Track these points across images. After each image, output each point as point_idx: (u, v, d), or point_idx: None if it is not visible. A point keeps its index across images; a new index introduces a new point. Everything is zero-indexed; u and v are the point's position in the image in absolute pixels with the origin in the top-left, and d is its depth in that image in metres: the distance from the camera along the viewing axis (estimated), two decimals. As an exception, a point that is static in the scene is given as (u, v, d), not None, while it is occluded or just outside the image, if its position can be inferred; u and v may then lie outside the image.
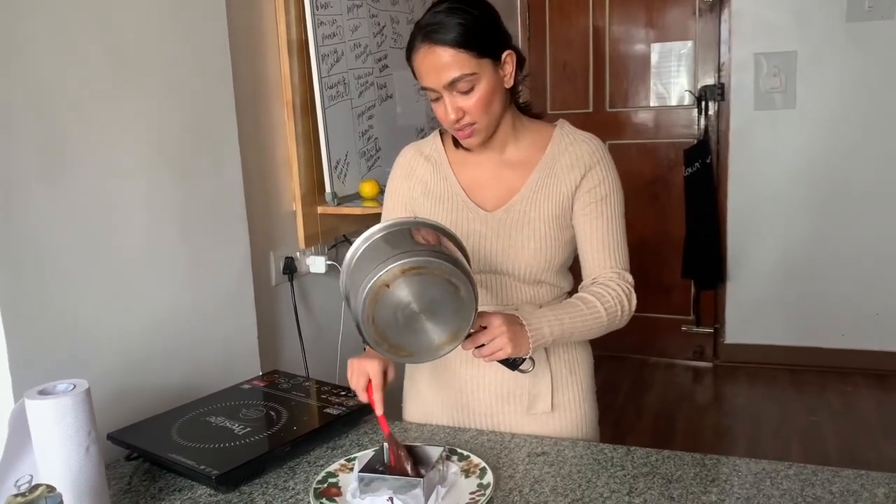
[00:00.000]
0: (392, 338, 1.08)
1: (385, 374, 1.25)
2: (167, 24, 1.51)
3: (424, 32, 1.23)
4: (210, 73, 1.63)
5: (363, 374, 1.24)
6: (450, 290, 1.06)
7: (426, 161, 1.42)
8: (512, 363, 1.23)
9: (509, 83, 1.29)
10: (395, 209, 1.44)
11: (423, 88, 1.28)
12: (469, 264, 1.15)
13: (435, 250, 1.06)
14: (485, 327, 1.18)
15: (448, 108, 1.26)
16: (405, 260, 1.03)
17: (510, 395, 1.40)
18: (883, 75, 3.47)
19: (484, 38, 1.24)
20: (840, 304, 3.69)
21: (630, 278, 1.35)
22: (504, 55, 1.27)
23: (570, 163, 1.34)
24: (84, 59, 1.34)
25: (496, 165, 1.38)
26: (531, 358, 1.24)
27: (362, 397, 1.25)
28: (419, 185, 1.41)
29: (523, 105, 1.39)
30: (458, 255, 1.12)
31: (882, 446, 2.98)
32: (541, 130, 1.39)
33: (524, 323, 1.22)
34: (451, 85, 1.23)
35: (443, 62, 1.22)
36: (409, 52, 1.27)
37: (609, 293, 1.31)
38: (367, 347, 1.28)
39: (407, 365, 1.52)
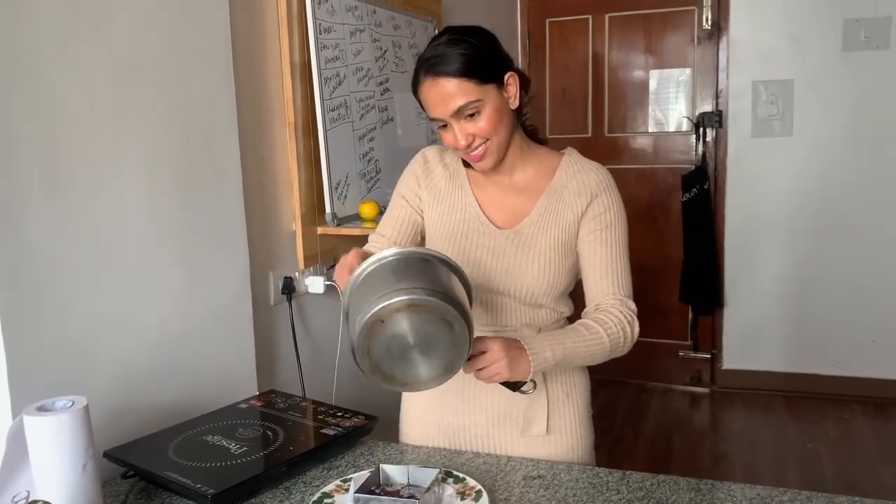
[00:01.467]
0: (386, 369, 1.11)
1: None
2: (171, 43, 1.53)
3: (428, 65, 1.27)
4: (213, 93, 1.65)
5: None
6: (444, 326, 1.08)
7: (445, 168, 1.45)
8: (513, 385, 1.24)
9: (514, 104, 1.32)
10: (407, 191, 1.47)
11: (432, 119, 1.31)
12: (471, 299, 1.17)
13: (433, 288, 1.08)
14: (484, 352, 1.19)
15: (458, 135, 1.29)
16: (401, 297, 1.05)
17: (506, 417, 1.40)
18: (878, 104, 3.51)
19: (486, 66, 1.27)
20: (836, 330, 3.70)
21: (633, 306, 1.36)
22: (506, 77, 1.30)
23: (577, 190, 1.37)
24: (86, 77, 1.35)
25: (505, 189, 1.41)
26: (532, 380, 1.25)
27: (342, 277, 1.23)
28: (433, 188, 1.44)
29: (530, 129, 1.42)
30: (459, 291, 1.14)
31: (880, 475, 2.98)
32: (549, 157, 1.42)
33: (525, 347, 1.23)
34: (458, 112, 1.27)
35: (448, 92, 1.25)
36: (415, 85, 1.31)
37: (612, 320, 1.32)
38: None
39: None
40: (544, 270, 1.35)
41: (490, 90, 1.27)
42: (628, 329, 1.33)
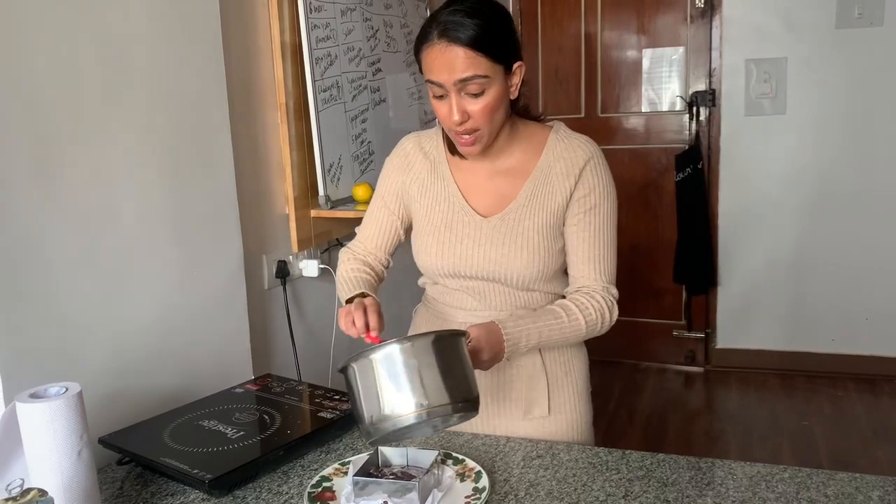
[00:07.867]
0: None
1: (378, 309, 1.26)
2: (161, 25, 1.50)
3: (442, 28, 1.20)
4: (204, 75, 1.63)
5: (348, 313, 1.24)
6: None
7: (425, 158, 1.41)
8: None
9: (514, 95, 1.28)
10: (387, 192, 1.45)
11: (430, 82, 1.24)
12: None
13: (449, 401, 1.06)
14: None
15: (454, 109, 1.23)
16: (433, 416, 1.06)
17: (506, 399, 1.40)
18: (872, 82, 3.50)
19: (501, 44, 1.22)
20: (830, 308, 3.71)
21: (615, 292, 1.35)
22: (515, 66, 1.26)
23: (565, 171, 1.33)
24: (77, 61, 1.33)
25: (490, 172, 1.37)
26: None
27: (350, 330, 1.23)
28: (416, 182, 1.41)
29: (522, 108, 1.37)
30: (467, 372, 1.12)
31: (873, 451, 3.00)
32: (536, 135, 1.37)
33: (504, 338, 1.24)
34: (463, 83, 1.21)
35: (458, 61, 1.19)
36: (421, 44, 1.24)
37: (593, 305, 1.32)
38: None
39: None
40: (533, 257, 1.33)
41: (499, 72, 1.22)
42: (607, 315, 1.33)
